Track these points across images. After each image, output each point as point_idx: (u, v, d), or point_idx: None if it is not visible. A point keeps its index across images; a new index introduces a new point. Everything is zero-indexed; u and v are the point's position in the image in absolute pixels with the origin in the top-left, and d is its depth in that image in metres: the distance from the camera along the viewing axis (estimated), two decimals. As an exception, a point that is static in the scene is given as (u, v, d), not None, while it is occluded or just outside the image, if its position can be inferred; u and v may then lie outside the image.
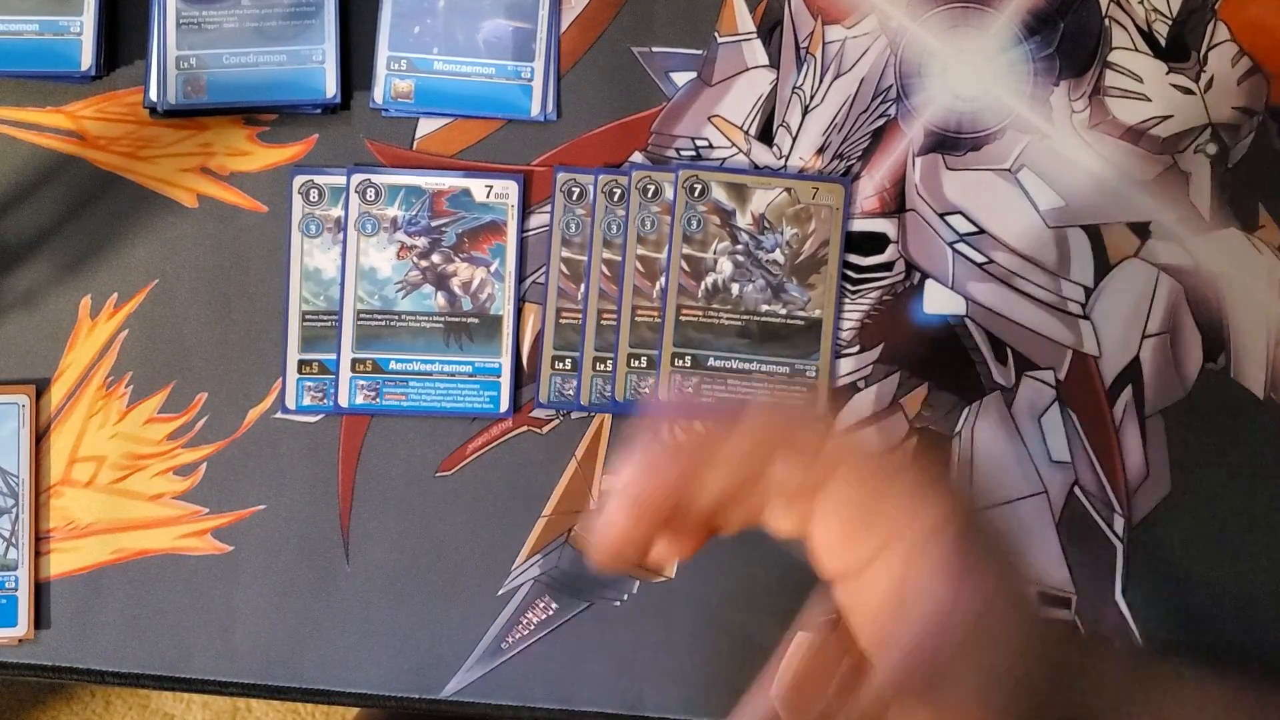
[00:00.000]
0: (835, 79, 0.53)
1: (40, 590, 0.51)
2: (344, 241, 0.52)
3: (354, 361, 0.52)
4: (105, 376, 0.52)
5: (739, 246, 0.52)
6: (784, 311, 0.52)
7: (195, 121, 0.52)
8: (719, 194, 0.52)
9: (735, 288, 0.52)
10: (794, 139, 0.53)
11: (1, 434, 0.51)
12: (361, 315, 0.52)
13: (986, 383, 0.53)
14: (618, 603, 0.52)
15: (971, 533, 0.34)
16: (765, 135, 0.53)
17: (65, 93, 0.52)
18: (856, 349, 0.53)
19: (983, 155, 0.53)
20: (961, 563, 0.33)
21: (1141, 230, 0.53)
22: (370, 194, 0.52)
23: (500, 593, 0.52)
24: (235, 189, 0.52)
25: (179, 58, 0.51)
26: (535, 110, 0.53)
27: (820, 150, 0.53)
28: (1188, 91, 0.53)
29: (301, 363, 0.52)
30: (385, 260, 0.52)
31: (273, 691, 0.52)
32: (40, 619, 0.51)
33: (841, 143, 0.53)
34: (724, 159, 0.53)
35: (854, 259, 0.53)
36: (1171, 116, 0.53)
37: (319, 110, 0.52)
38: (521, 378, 0.52)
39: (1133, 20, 0.54)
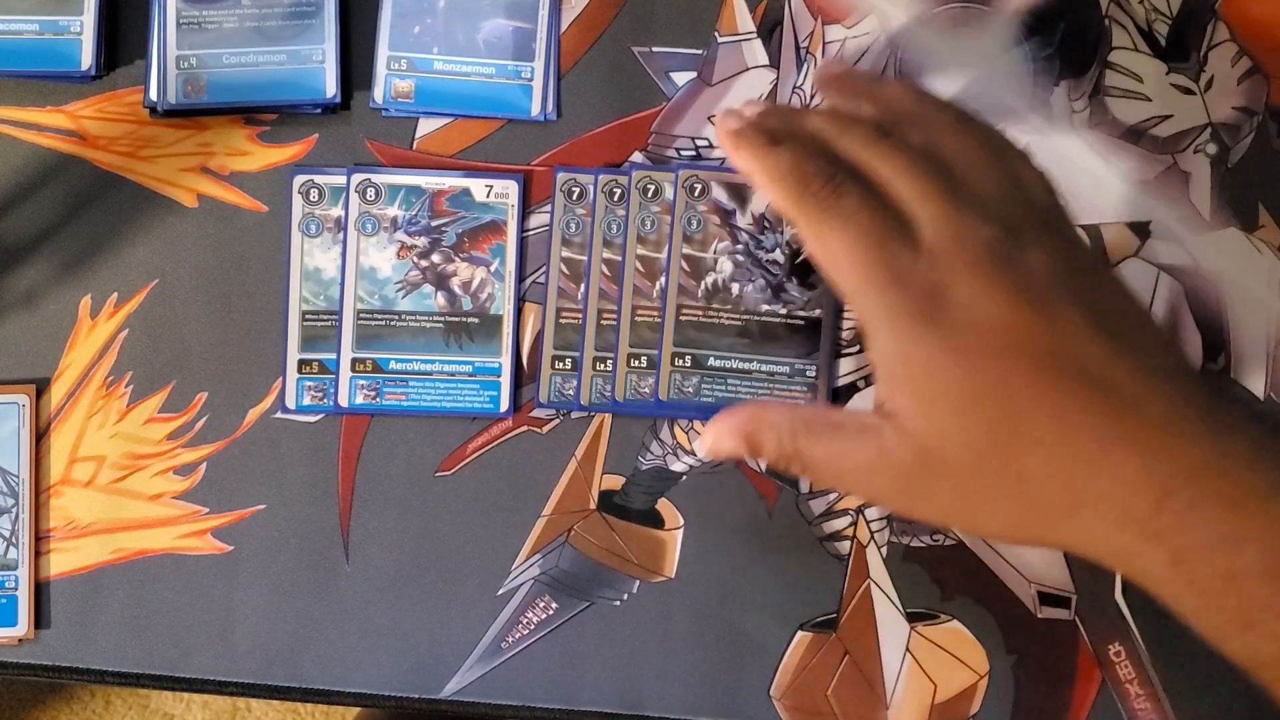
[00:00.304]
0: (835, 79, 0.53)
1: (40, 590, 0.51)
2: (344, 241, 0.52)
3: (354, 361, 0.52)
4: (105, 376, 0.52)
5: (739, 246, 0.52)
6: (784, 311, 0.52)
7: (195, 121, 0.52)
8: (719, 194, 0.52)
9: (735, 288, 0.52)
10: (794, 139, 0.53)
11: (1, 434, 0.51)
12: (361, 315, 0.52)
13: (986, 383, 0.53)
14: (618, 603, 0.52)
15: None
16: (765, 135, 0.53)
17: (65, 92, 0.52)
18: (856, 349, 0.53)
19: (983, 155, 0.53)
20: None
21: (1141, 230, 0.53)
22: (370, 194, 0.52)
23: (500, 592, 0.52)
24: (235, 189, 0.52)
25: (179, 57, 0.51)
26: (535, 110, 0.53)
27: (820, 150, 0.53)
28: (1188, 91, 0.53)
29: (301, 362, 0.52)
30: (385, 260, 0.52)
31: (273, 691, 0.52)
32: (40, 619, 0.51)
33: (841, 143, 0.53)
34: (724, 159, 0.53)
35: (854, 259, 0.52)
36: (1171, 116, 0.53)
37: (319, 110, 0.52)
38: (521, 378, 0.52)
39: (1133, 20, 0.54)
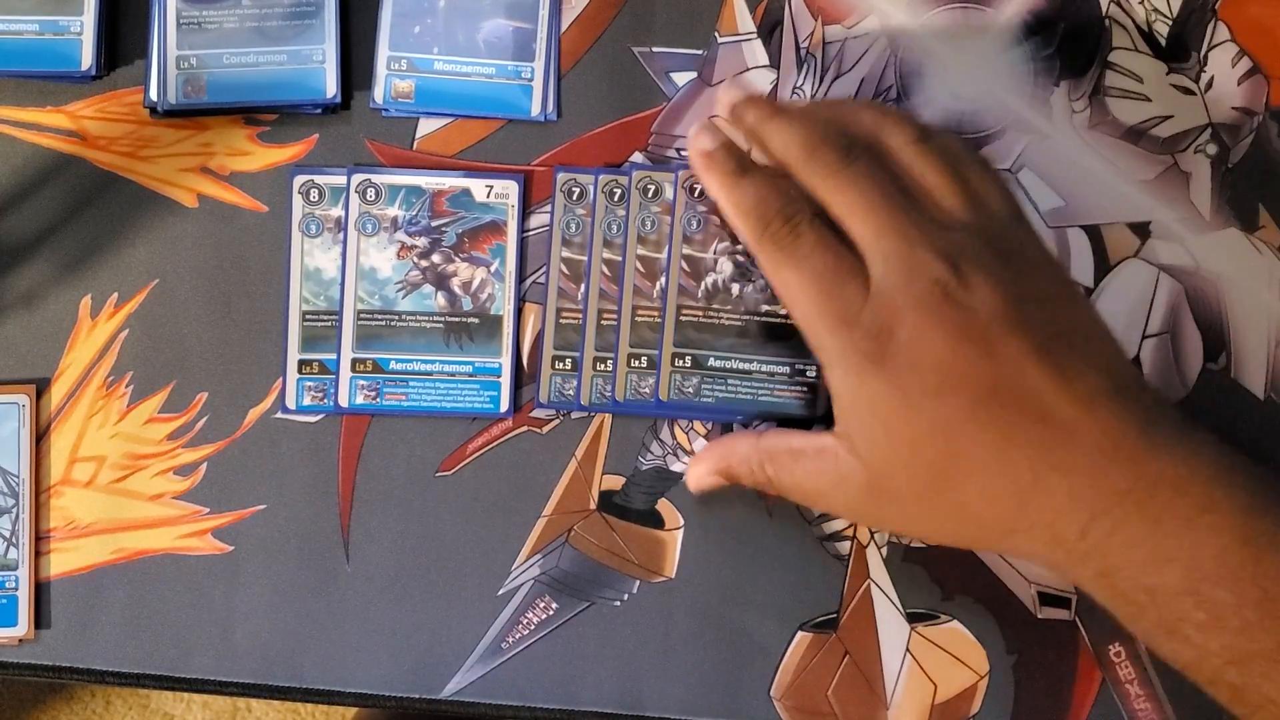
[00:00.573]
0: (835, 79, 0.53)
1: (40, 590, 0.51)
2: (344, 241, 0.52)
3: (354, 361, 0.52)
4: (105, 376, 0.52)
5: (739, 246, 0.52)
6: (784, 312, 0.52)
7: (195, 121, 0.52)
8: (719, 194, 0.52)
9: (735, 288, 0.52)
10: (794, 139, 0.53)
11: (1, 434, 0.51)
12: (362, 315, 0.52)
13: (986, 383, 0.53)
14: (618, 603, 0.52)
15: None
16: (765, 135, 0.53)
17: (65, 92, 0.52)
18: (856, 349, 0.53)
19: (983, 155, 0.53)
20: None
21: (1141, 230, 0.53)
22: (370, 194, 0.52)
23: (500, 593, 0.52)
24: (235, 189, 0.52)
25: (179, 57, 0.51)
26: (535, 110, 0.53)
27: (820, 150, 0.53)
28: (1188, 91, 0.53)
29: (301, 362, 0.52)
30: (385, 260, 0.52)
31: (273, 691, 0.52)
32: (40, 619, 0.51)
33: (841, 143, 0.53)
34: (724, 159, 0.53)
35: (854, 259, 0.52)
36: (1171, 116, 0.53)
37: (319, 110, 0.52)
38: (521, 378, 0.52)
39: (1133, 20, 0.54)
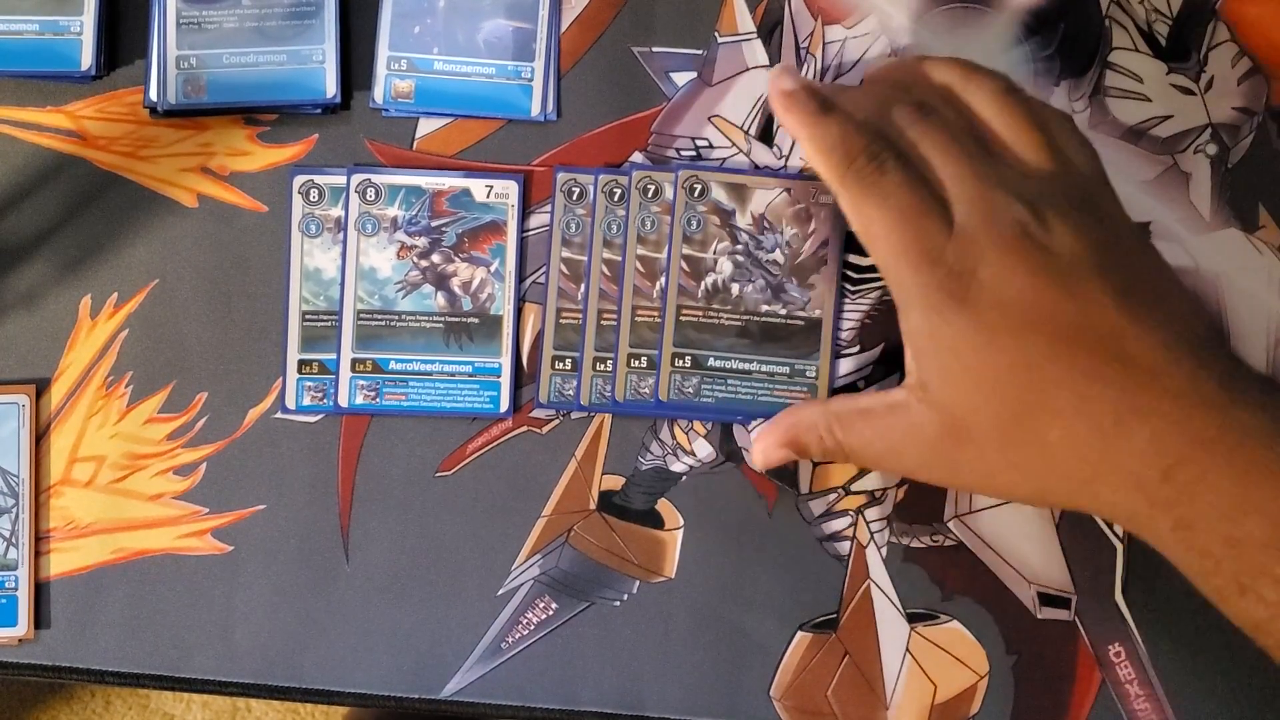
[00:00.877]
0: (835, 79, 0.53)
1: (40, 590, 0.51)
2: (344, 241, 0.52)
3: (354, 361, 0.52)
4: (105, 376, 0.52)
5: (739, 246, 0.52)
6: (784, 311, 0.52)
7: (195, 121, 0.52)
8: (719, 194, 0.52)
9: (735, 288, 0.52)
10: (795, 139, 0.53)
11: (1, 434, 0.51)
12: (361, 315, 0.52)
13: (986, 383, 0.53)
14: (618, 603, 0.52)
15: None
16: (766, 135, 0.53)
17: (65, 92, 0.52)
18: (856, 349, 0.53)
19: (983, 155, 0.53)
20: None
21: (1141, 230, 0.53)
22: (370, 194, 0.52)
23: (500, 593, 0.52)
24: (235, 189, 0.52)
25: (179, 57, 0.51)
26: (535, 110, 0.53)
27: (820, 150, 0.53)
28: (1188, 91, 0.53)
29: (301, 362, 0.52)
30: (385, 260, 0.52)
31: (273, 691, 0.52)
32: (40, 619, 0.51)
33: (841, 143, 0.53)
34: (724, 159, 0.53)
35: (854, 259, 0.53)
36: (1171, 116, 0.53)
37: (319, 110, 0.52)
38: (521, 378, 0.52)
39: (1133, 20, 0.54)
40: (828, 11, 0.53)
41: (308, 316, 0.52)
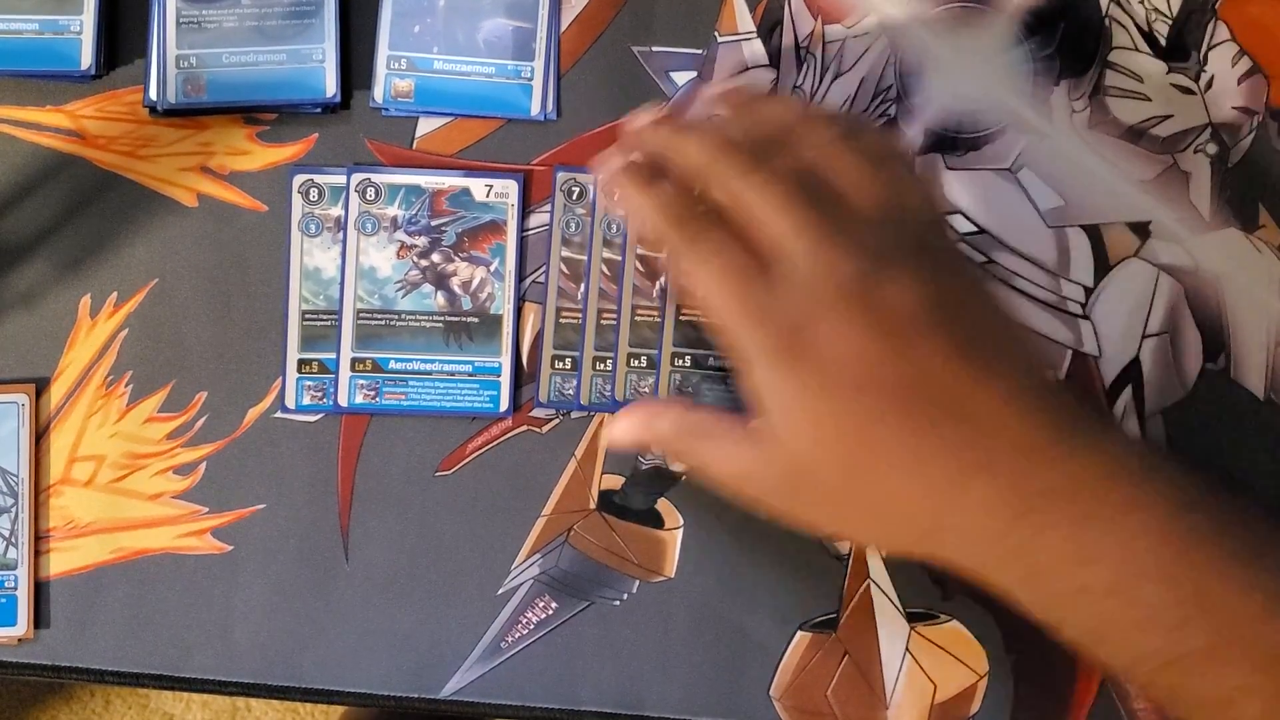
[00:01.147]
0: (835, 79, 0.53)
1: (40, 589, 0.51)
2: (344, 241, 0.52)
3: (354, 361, 0.52)
4: (105, 376, 0.52)
5: (739, 246, 0.52)
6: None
7: (195, 121, 0.52)
8: (719, 194, 0.52)
9: (735, 287, 0.52)
10: (794, 139, 0.53)
11: (1, 433, 0.51)
12: (361, 315, 0.52)
13: (986, 382, 0.53)
14: (618, 603, 0.52)
15: None
16: (765, 135, 0.53)
17: (65, 92, 0.52)
18: (856, 349, 0.53)
19: (983, 155, 0.53)
20: None
21: (1141, 230, 0.53)
22: (370, 193, 0.52)
23: (500, 592, 0.52)
24: (235, 188, 0.52)
25: (179, 57, 0.51)
26: (535, 110, 0.53)
27: (820, 150, 0.53)
28: (1188, 91, 0.53)
29: (301, 362, 0.52)
30: (385, 260, 0.52)
31: (273, 691, 0.52)
32: (40, 618, 0.51)
33: (841, 142, 0.53)
34: (724, 159, 0.53)
35: (854, 259, 0.52)
36: (1171, 116, 0.53)
37: (319, 109, 0.52)
38: (521, 377, 0.52)
39: (1133, 20, 0.54)
40: (828, 11, 0.53)
41: (307, 316, 0.52)
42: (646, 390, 0.52)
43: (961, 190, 0.53)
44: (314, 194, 0.52)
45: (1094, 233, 0.53)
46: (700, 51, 0.53)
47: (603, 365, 0.52)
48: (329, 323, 0.52)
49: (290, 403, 0.52)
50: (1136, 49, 0.54)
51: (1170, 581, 0.36)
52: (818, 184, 0.41)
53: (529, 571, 0.52)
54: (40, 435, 0.51)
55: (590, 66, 0.53)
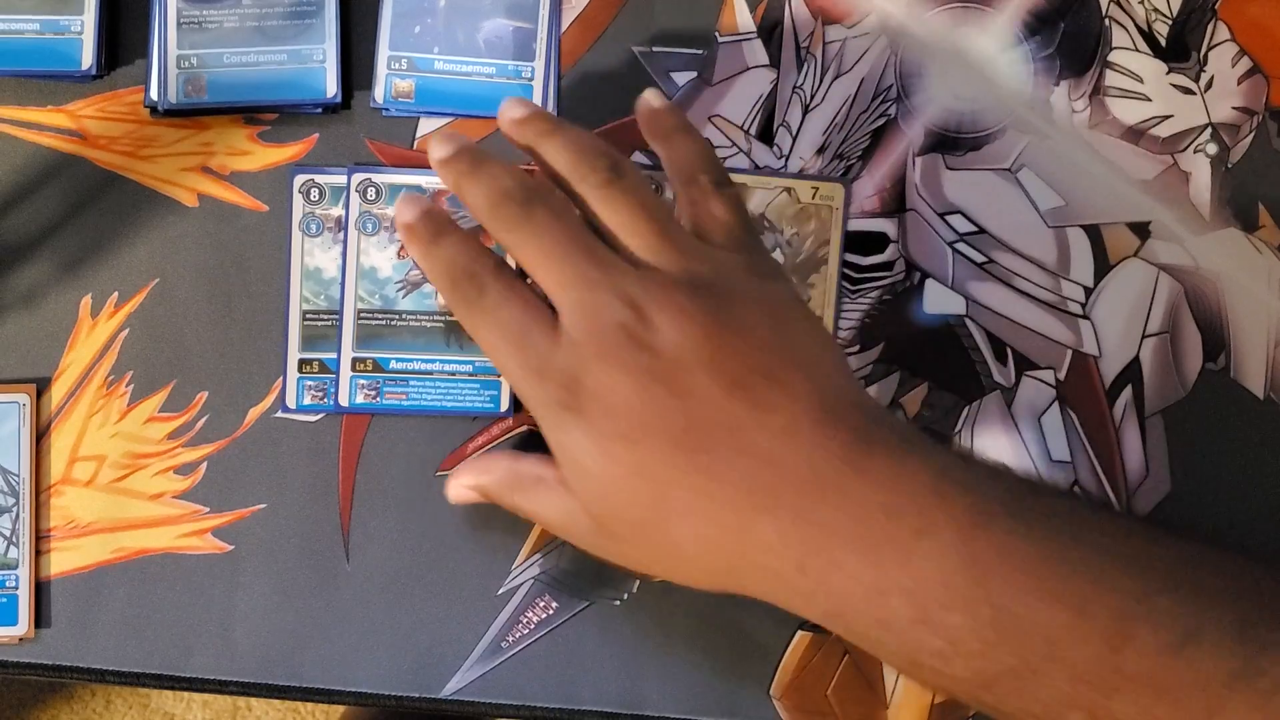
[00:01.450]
0: (835, 79, 0.53)
1: (40, 589, 0.51)
2: (345, 241, 0.52)
3: (354, 361, 0.52)
4: (106, 376, 0.52)
5: (739, 246, 0.52)
6: None
7: (196, 121, 0.52)
8: (719, 194, 0.52)
9: (735, 287, 0.52)
10: (794, 139, 0.53)
11: (2, 433, 0.51)
12: (362, 314, 0.52)
13: (986, 382, 0.53)
14: (618, 602, 0.52)
15: None
16: (765, 135, 0.53)
17: (66, 92, 0.52)
18: (856, 348, 0.53)
19: (983, 155, 0.53)
20: None
21: (1141, 230, 0.53)
22: (371, 193, 0.52)
23: (500, 592, 0.52)
24: (236, 188, 0.52)
25: (179, 57, 0.51)
26: (535, 110, 0.53)
27: (820, 150, 0.53)
28: (1188, 91, 0.54)
29: (302, 362, 0.52)
30: (386, 260, 0.52)
31: (273, 690, 0.52)
32: (40, 618, 0.51)
33: (841, 142, 0.53)
34: (724, 159, 0.53)
35: (854, 259, 0.53)
36: (1171, 116, 0.53)
37: (319, 110, 0.52)
38: (522, 377, 0.52)
39: (1133, 20, 0.54)
40: (828, 11, 0.53)
41: (308, 316, 0.52)
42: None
43: (961, 190, 0.53)
44: (315, 194, 0.52)
45: (1094, 233, 0.53)
46: (700, 52, 0.53)
47: (603, 365, 0.52)
48: (330, 323, 0.52)
49: (291, 403, 0.52)
50: (1136, 49, 0.54)
51: (970, 607, 0.35)
52: (591, 227, 0.41)
53: (529, 571, 0.52)
54: (41, 435, 0.51)
55: (591, 67, 0.53)
